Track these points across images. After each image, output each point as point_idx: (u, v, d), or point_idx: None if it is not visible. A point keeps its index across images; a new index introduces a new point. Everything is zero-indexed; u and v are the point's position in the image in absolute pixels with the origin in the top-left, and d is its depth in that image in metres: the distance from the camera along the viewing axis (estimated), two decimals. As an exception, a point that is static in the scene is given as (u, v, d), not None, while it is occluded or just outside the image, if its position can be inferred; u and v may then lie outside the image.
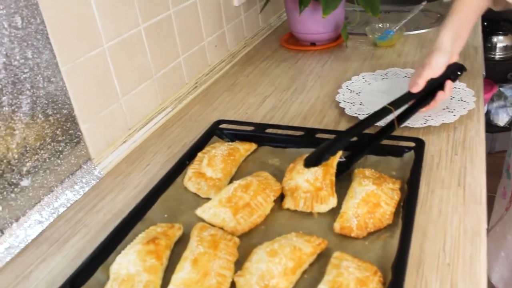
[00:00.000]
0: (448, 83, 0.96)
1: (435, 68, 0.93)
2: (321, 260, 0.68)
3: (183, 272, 0.64)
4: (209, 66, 1.36)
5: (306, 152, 0.89)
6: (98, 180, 0.93)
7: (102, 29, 0.95)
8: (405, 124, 0.95)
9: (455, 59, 0.97)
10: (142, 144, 1.05)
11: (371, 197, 0.73)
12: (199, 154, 0.90)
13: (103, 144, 0.99)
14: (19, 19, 0.77)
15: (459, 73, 0.99)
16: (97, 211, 0.85)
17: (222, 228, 0.73)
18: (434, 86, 0.95)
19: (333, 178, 0.78)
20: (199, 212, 0.77)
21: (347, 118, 1.05)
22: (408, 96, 0.94)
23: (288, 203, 0.78)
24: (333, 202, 0.76)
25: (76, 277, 0.67)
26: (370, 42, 1.48)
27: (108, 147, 0.99)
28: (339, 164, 0.81)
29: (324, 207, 0.76)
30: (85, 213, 0.85)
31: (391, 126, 0.91)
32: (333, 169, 0.79)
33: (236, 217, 0.73)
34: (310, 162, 0.79)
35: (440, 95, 0.96)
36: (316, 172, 0.78)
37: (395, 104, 0.91)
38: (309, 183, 0.78)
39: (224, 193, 0.77)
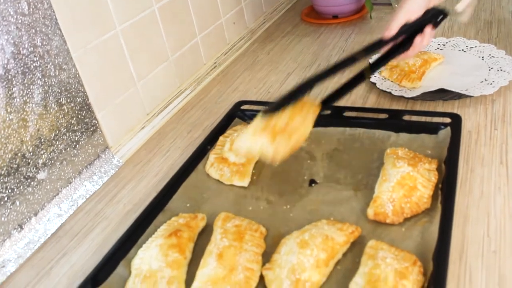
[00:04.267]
0: (428, 29, 0.83)
1: (410, 10, 0.81)
2: (355, 249, 0.63)
3: (208, 267, 0.60)
4: (227, 44, 1.31)
5: (334, 131, 0.86)
6: (117, 169, 0.90)
7: (114, 11, 0.90)
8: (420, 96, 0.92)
9: (435, 2, 0.84)
10: (161, 130, 1.01)
11: (407, 180, 0.68)
12: (221, 138, 0.86)
13: (121, 132, 0.95)
14: (25, 5, 0.73)
15: (440, 18, 0.85)
16: (117, 201, 0.82)
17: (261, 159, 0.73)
18: (412, 32, 0.83)
19: (426, 71, 0.98)
20: (236, 146, 0.71)
21: (376, 93, 0.99)
22: (379, 42, 0.83)
23: (384, 73, 1.00)
24: (418, 84, 0.96)
25: (97, 273, 0.64)
26: (396, 11, 1.40)
27: (126, 134, 0.96)
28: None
29: (409, 85, 0.96)
30: (104, 204, 0.82)
31: (362, 75, 0.84)
32: (429, 65, 1.00)
33: (274, 143, 0.67)
34: (271, 109, 0.70)
35: (417, 40, 0.83)
36: (416, 60, 0.99)
37: (366, 51, 0.79)
38: (407, 65, 0.99)
39: (257, 123, 0.69)
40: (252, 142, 0.68)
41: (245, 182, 0.77)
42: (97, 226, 0.78)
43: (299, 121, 0.69)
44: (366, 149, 0.81)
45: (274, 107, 0.70)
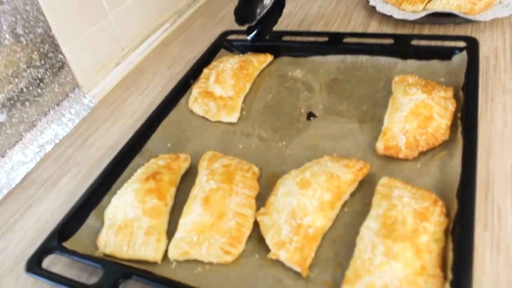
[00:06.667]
0: None
1: None
2: (364, 188, 0.55)
3: (193, 214, 0.52)
4: (210, -27, 1.18)
5: (333, 60, 0.77)
6: (89, 110, 0.81)
7: None
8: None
9: None
10: (138, 66, 0.91)
11: (421, 108, 0.59)
12: (205, 70, 0.77)
13: (93, 68, 0.85)
14: None
15: None
16: (89, 145, 0.73)
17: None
18: None
19: None
20: None
21: (378, 19, 0.88)
22: None
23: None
24: (419, 7, 0.84)
25: (65, 226, 0.56)
26: None
27: (98, 71, 0.86)
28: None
29: (409, 8, 0.84)
30: (75, 149, 0.73)
31: None
32: None
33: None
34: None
35: None
36: None
37: None
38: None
39: None
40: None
41: (233, 117, 0.68)
42: (67, 174, 0.69)
43: None
44: (371, 78, 0.72)
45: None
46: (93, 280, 0.51)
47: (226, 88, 0.70)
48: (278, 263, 0.49)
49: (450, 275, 0.42)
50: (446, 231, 0.47)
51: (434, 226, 0.46)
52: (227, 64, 0.73)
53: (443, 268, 0.44)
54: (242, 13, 0.73)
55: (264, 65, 0.77)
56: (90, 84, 0.83)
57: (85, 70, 0.83)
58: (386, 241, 0.44)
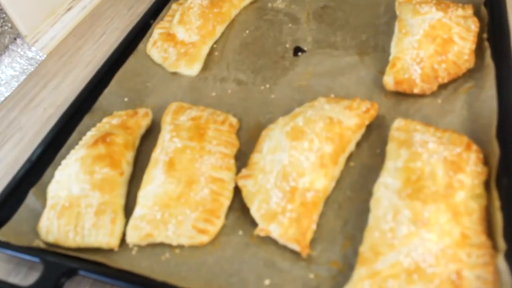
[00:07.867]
0: None
1: None
2: (372, 135, 0.46)
3: (154, 184, 0.41)
4: None
5: None
6: (36, 65, 0.70)
7: None
8: None
9: None
10: (94, 10, 0.79)
11: (438, 30, 0.49)
12: (174, 6, 0.66)
13: (39, 15, 0.74)
14: None
15: None
16: (35, 106, 0.63)
17: None
18: None
19: None
20: None
21: None
22: None
23: None
24: None
25: None
26: None
27: (46, 18, 0.75)
28: None
29: None
30: (19, 111, 0.63)
31: None
32: None
33: None
34: None
35: None
36: None
37: None
38: None
39: None
40: None
41: (193, 70, 0.56)
42: (8, 142, 0.59)
43: None
44: (368, 2, 0.63)
45: None
46: (34, 276, 0.40)
47: (190, 31, 0.58)
48: (269, 240, 0.39)
49: (502, 244, 0.32)
50: (486, 184, 0.36)
51: (472, 178, 0.36)
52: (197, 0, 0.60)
53: (489, 233, 0.33)
54: None
55: (245, 2, 0.64)
56: (36, 33, 0.72)
57: (28, 17, 0.72)
58: (413, 203, 0.34)
